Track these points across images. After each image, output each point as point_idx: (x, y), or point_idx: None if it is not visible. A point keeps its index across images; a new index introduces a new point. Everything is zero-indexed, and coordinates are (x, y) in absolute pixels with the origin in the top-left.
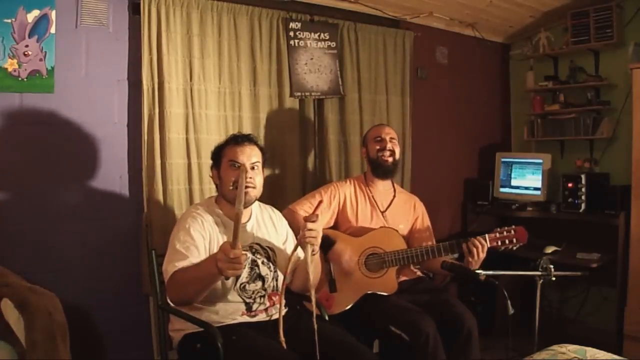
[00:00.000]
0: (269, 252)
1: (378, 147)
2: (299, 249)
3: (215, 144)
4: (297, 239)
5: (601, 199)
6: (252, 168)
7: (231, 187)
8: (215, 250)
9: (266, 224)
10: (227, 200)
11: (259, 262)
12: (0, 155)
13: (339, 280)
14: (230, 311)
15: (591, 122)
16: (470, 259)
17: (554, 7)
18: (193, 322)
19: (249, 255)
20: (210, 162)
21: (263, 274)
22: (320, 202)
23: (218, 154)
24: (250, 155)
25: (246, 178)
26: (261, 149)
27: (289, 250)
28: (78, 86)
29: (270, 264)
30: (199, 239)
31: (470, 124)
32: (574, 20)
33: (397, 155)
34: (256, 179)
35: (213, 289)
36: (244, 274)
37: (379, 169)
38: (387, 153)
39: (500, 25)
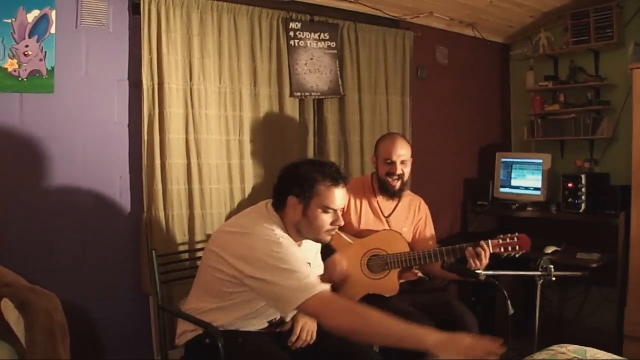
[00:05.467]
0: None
1: (387, 171)
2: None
3: (298, 165)
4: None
5: (601, 199)
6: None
7: (327, 233)
8: None
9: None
10: (302, 235)
11: None
12: (0, 155)
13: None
14: (254, 323)
15: (591, 122)
16: (473, 265)
17: (554, 7)
18: (195, 323)
19: None
20: (289, 185)
21: None
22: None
23: (309, 188)
24: (345, 200)
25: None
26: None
27: (317, 262)
28: (78, 86)
29: None
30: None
31: (470, 124)
32: (574, 20)
33: (407, 177)
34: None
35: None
36: None
37: (385, 191)
38: (395, 178)
39: (500, 25)
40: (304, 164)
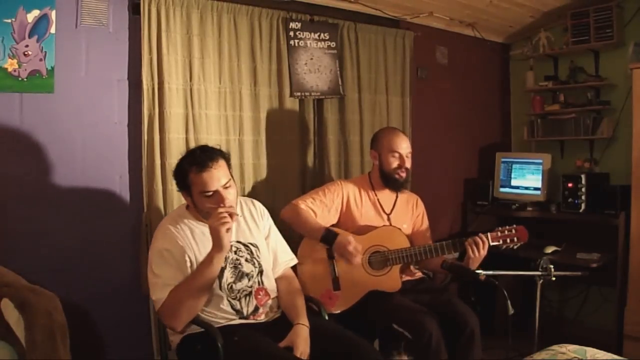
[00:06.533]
0: (252, 249)
1: (395, 165)
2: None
3: (177, 162)
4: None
5: (601, 199)
6: (226, 187)
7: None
8: (192, 259)
9: (247, 220)
10: (204, 217)
11: (242, 260)
12: (0, 155)
13: (342, 278)
14: (223, 315)
15: (591, 122)
16: (472, 255)
17: (554, 7)
18: (194, 323)
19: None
20: (175, 182)
21: (247, 271)
22: None
23: (184, 181)
24: (220, 178)
25: (224, 206)
26: (224, 156)
27: (272, 246)
28: (78, 86)
29: (254, 260)
30: (173, 264)
31: (470, 124)
32: (574, 20)
33: (409, 168)
34: (232, 195)
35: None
36: (229, 274)
37: (392, 183)
38: (403, 170)
39: (500, 25)
40: (180, 160)
